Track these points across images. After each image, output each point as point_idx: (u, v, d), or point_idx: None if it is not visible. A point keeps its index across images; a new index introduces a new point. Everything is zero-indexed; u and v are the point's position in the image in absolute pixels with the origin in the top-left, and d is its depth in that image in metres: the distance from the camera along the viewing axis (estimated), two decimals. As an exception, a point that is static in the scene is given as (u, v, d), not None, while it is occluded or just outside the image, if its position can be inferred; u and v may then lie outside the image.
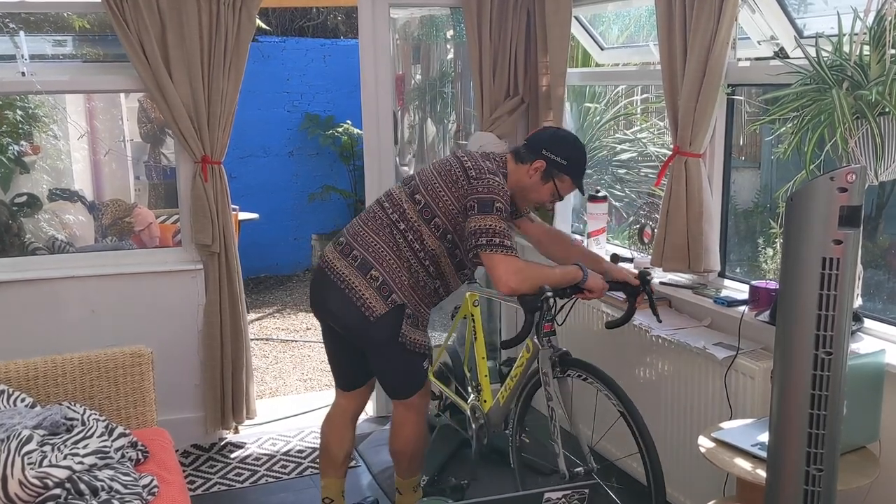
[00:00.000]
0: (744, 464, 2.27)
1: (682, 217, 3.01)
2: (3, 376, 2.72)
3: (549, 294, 2.55)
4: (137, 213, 4.84)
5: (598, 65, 4.26)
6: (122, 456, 2.48)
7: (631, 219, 4.59)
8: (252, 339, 5.05)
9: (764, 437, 2.16)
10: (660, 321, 2.80)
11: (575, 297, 2.75)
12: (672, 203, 3.03)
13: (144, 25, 3.41)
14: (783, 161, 2.58)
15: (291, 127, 7.51)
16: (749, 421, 2.54)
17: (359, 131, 6.87)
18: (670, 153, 3.07)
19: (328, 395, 3.09)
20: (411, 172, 3.60)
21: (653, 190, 4.08)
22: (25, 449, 2.26)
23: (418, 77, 5.95)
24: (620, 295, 2.95)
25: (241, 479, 3.58)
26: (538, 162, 2.70)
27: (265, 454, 3.80)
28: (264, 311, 6.61)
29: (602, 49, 4.18)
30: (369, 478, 3.59)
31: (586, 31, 4.12)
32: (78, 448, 2.37)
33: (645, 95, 4.87)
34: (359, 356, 2.81)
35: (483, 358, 3.19)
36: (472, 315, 3.25)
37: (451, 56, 5.54)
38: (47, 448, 2.33)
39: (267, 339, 5.90)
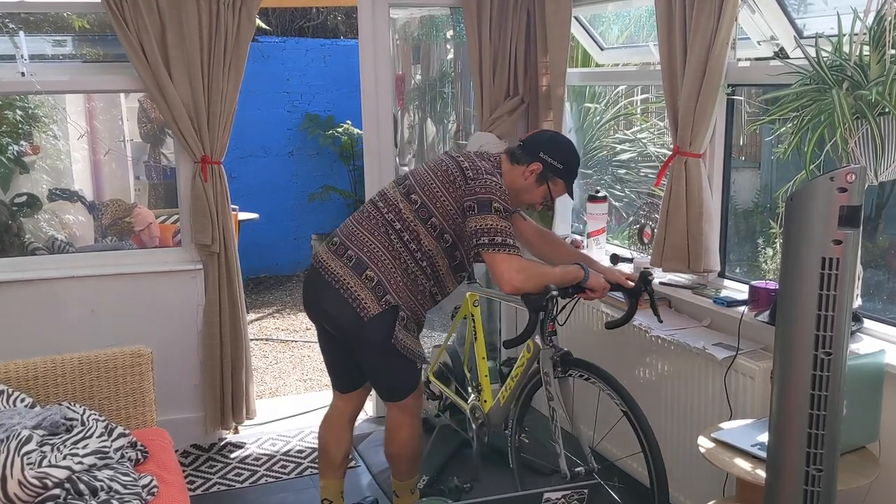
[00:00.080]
0: (744, 464, 2.27)
1: (681, 217, 3.01)
2: (3, 376, 2.72)
3: (555, 293, 2.54)
4: (137, 213, 4.84)
5: (598, 65, 4.26)
6: (122, 456, 2.48)
7: (631, 219, 4.58)
8: (252, 340, 5.05)
9: (764, 438, 2.16)
10: (661, 321, 2.80)
11: (577, 297, 2.75)
12: (672, 203, 3.03)
13: (144, 25, 3.41)
14: (783, 161, 2.58)
15: (291, 127, 7.51)
16: (749, 421, 2.54)
17: (359, 131, 6.87)
18: (670, 153, 3.07)
19: (328, 396, 3.09)
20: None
21: (653, 190, 4.07)
22: (25, 449, 2.26)
23: (418, 77, 5.94)
24: (620, 295, 2.95)
25: (240, 479, 3.58)
26: (535, 164, 2.70)
27: (265, 454, 3.80)
28: (264, 312, 6.61)
29: (602, 49, 4.17)
30: (369, 478, 3.59)
31: (586, 31, 4.12)
32: (77, 448, 2.37)
33: (645, 95, 4.87)
34: (354, 358, 2.80)
35: (483, 358, 3.19)
36: (473, 315, 3.24)
37: (450, 56, 5.53)
38: (47, 448, 2.33)
39: (267, 340, 5.90)
